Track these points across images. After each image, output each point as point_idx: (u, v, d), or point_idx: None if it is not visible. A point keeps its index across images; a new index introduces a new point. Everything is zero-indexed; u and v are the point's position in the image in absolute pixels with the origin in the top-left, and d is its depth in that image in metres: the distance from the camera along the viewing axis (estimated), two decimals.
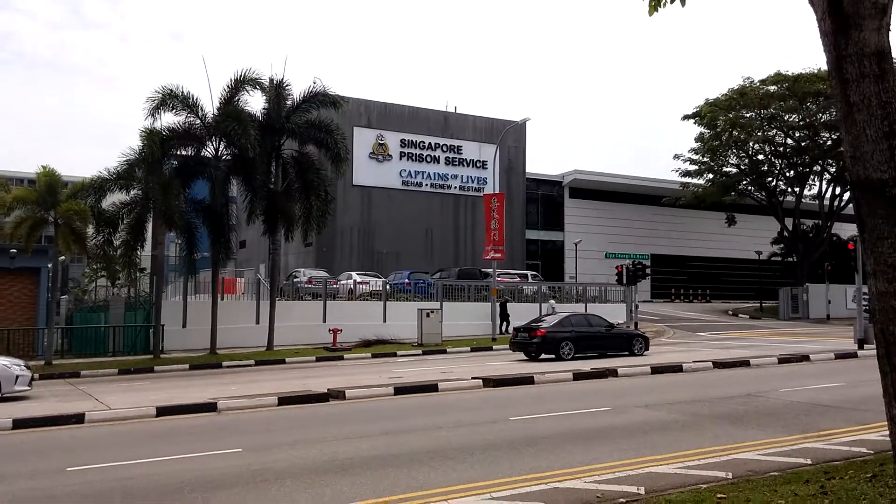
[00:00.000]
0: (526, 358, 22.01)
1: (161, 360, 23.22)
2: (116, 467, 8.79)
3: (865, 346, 22.30)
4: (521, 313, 30.91)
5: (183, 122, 25.12)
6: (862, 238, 3.85)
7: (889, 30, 3.84)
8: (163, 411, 12.81)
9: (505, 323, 30.65)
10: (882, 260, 3.66)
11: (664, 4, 5.23)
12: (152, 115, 24.26)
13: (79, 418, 12.29)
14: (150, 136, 23.71)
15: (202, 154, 26.03)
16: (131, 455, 9.44)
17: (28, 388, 15.49)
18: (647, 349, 23.04)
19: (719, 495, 6.56)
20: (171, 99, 24.40)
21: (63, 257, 30.97)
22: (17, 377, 15.13)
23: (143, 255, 27.97)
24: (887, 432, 9.92)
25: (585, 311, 31.94)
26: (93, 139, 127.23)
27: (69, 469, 8.77)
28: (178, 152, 26.55)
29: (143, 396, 14.96)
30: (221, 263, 27.06)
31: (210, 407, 13.16)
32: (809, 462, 8.14)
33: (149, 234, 27.03)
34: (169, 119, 25.50)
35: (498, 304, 31.05)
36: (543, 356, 21.66)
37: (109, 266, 30.02)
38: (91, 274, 40.87)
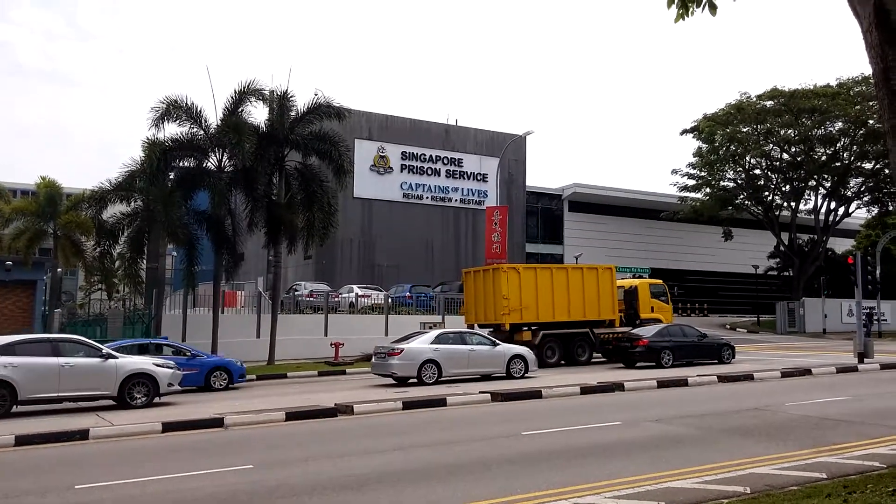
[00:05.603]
0: (624, 366, 23.19)
1: None
2: (126, 485, 8.64)
3: (865, 360, 22.28)
4: None
5: (186, 132, 25.08)
6: None
7: None
8: (168, 427, 12.66)
9: None
10: None
11: (692, 13, 5.23)
12: (156, 125, 24.26)
13: (83, 434, 12.13)
14: (153, 146, 23.65)
15: (204, 165, 25.94)
16: (140, 472, 9.30)
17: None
18: (734, 357, 23.96)
19: None
20: (174, 109, 24.37)
21: (60, 269, 30.79)
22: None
23: (141, 267, 27.78)
24: None
25: None
26: (88, 151, 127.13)
27: (77, 486, 8.62)
28: (181, 163, 26.47)
29: (145, 413, 14.79)
30: (226, 276, 26.88)
31: (216, 422, 13.02)
32: (825, 476, 8.07)
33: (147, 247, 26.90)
34: (172, 130, 25.50)
35: None
36: (641, 364, 22.66)
37: (108, 279, 29.81)
38: (87, 287, 40.58)
